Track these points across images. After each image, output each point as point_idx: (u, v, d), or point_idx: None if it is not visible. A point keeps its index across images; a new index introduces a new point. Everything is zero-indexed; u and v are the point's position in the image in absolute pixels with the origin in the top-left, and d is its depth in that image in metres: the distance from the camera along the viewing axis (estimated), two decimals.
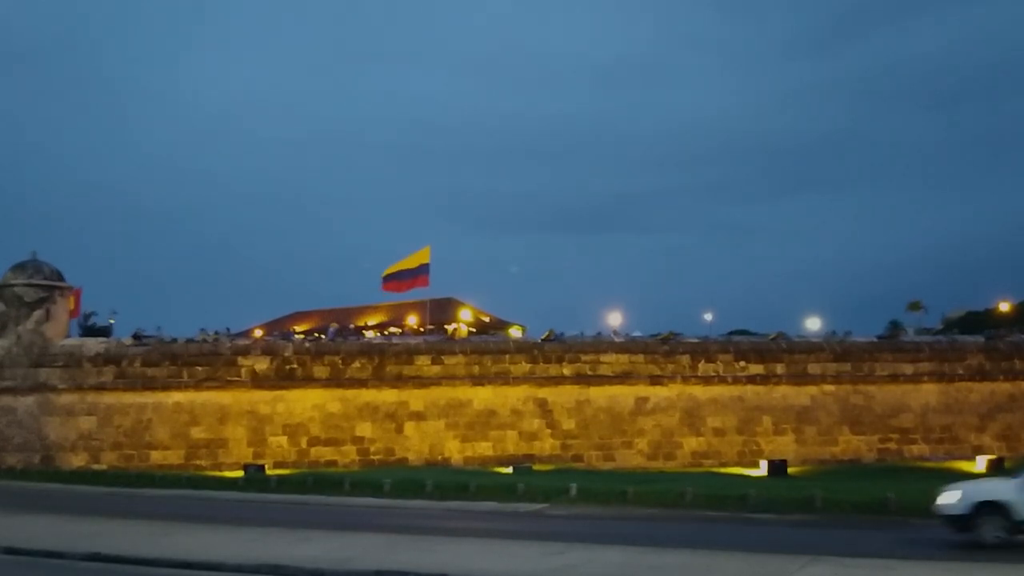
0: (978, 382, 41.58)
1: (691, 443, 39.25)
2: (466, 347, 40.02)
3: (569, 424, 38.83)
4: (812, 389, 40.54)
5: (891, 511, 22.17)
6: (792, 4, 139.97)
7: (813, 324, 46.35)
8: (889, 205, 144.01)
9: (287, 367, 38.46)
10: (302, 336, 46.94)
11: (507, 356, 39.55)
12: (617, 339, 41.64)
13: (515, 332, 48.95)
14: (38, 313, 38.60)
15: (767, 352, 41.05)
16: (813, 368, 40.76)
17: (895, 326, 50.16)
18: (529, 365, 39.28)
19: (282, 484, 30.48)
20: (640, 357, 40.00)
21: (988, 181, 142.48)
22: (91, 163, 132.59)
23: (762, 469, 35.83)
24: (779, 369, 40.56)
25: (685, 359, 40.13)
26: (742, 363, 40.29)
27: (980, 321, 55.06)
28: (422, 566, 12.03)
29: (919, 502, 22.83)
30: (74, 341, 39.73)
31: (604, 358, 39.80)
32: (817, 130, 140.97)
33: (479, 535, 16.64)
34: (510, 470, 34.96)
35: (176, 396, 37.75)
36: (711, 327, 48.15)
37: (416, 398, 38.52)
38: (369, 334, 48.90)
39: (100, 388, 37.66)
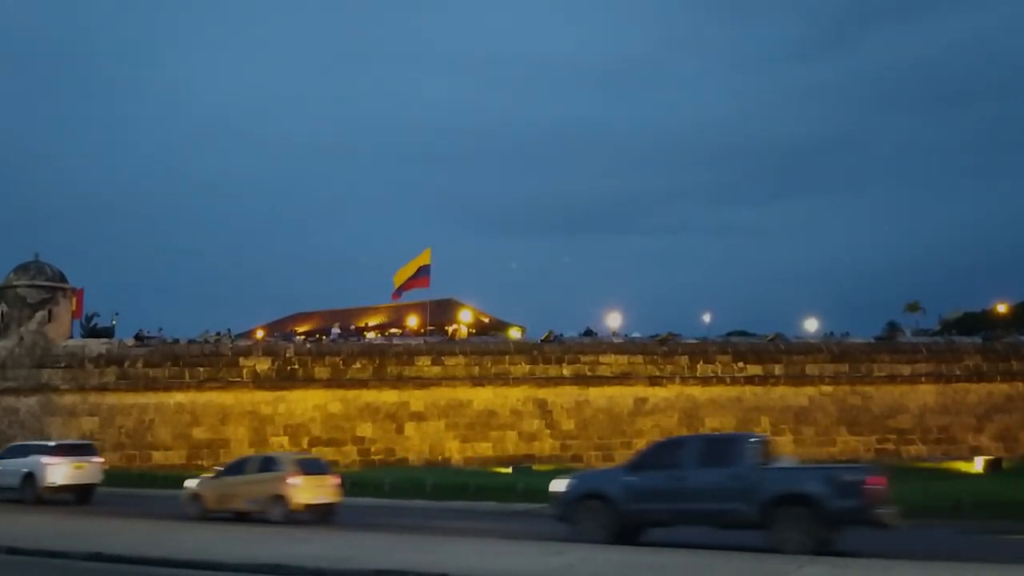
0: (975, 383, 41.71)
1: None
2: (466, 348, 40.19)
3: (568, 424, 38.99)
4: (810, 390, 40.70)
5: None
6: (791, 7, 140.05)
7: (811, 325, 46.45)
8: (887, 207, 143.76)
9: (288, 368, 38.64)
10: (303, 337, 47.05)
11: (507, 357, 39.72)
12: (616, 340, 41.80)
13: (515, 333, 49.03)
14: (40, 314, 38.80)
15: (765, 353, 41.21)
16: (811, 369, 40.93)
17: (893, 327, 50.18)
18: (529, 366, 39.46)
19: None
20: (639, 358, 40.18)
21: (985, 183, 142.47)
22: (93, 164, 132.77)
23: None
24: (777, 370, 40.73)
25: (684, 360, 40.29)
26: (740, 364, 40.45)
27: (977, 322, 55.08)
28: (422, 566, 12.12)
29: (916, 502, 23.07)
30: (76, 342, 39.91)
31: (603, 359, 39.98)
32: (815, 132, 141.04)
33: (479, 535, 16.76)
34: (510, 470, 35.12)
35: (178, 396, 37.94)
36: (709, 328, 48.27)
37: (416, 399, 38.69)
38: (370, 335, 48.99)
39: (102, 389, 37.86)
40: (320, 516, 20.36)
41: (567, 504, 15.93)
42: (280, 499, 20.09)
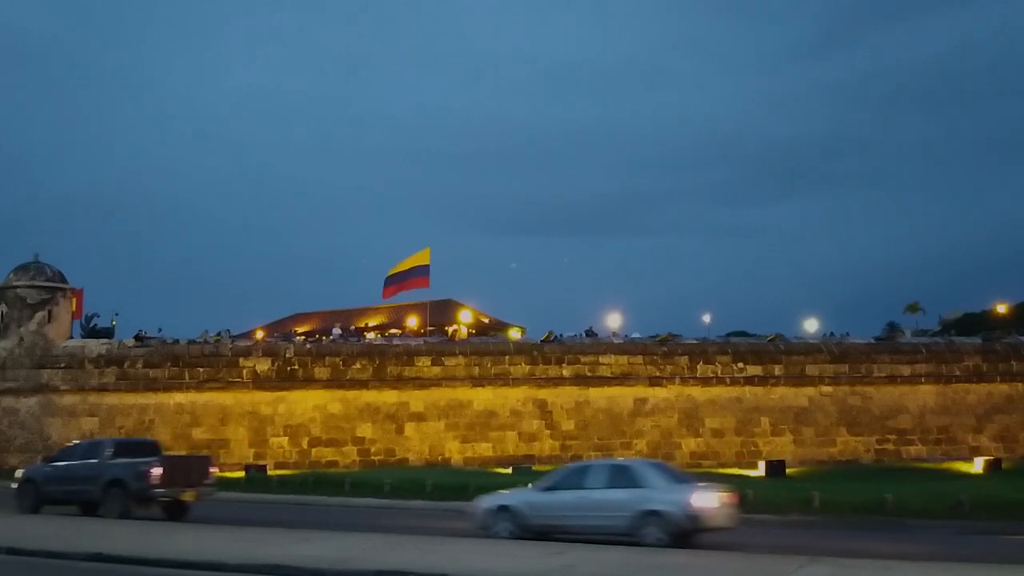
0: (975, 383, 41.71)
1: (690, 444, 39.40)
2: (466, 348, 40.17)
3: (568, 425, 38.97)
4: (810, 390, 40.69)
5: (888, 512, 22.37)
6: (790, 8, 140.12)
7: (811, 325, 46.40)
8: (887, 207, 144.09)
9: (288, 368, 38.63)
10: (303, 337, 47.03)
11: (507, 357, 39.70)
12: (616, 340, 41.76)
13: (515, 333, 48.99)
14: (40, 315, 38.79)
15: (765, 353, 41.19)
16: (811, 369, 40.92)
17: (892, 327, 50.17)
18: (529, 366, 39.44)
19: (283, 484, 30.69)
20: (639, 358, 40.16)
21: (985, 183, 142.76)
22: (93, 164, 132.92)
23: (760, 470, 35.98)
24: (777, 370, 40.71)
25: (683, 360, 40.28)
26: (740, 364, 40.44)
27: (977, 323, 55.02)
28: (422, 566, 12.11)
29: (916, 503, 23.09)
30: (76, 342, 39.90)
31: (603, 359, 39.96)
32: (815, 133, 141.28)
33: (479, 535, 16.76)
34: (510, 471, 35.10)
35: (178, 397, 37.93)
36: (709, 328, 48.25)
37: (416, 399, 38.68)
38: (370, 335, 48.96)
39: (102, 389, 37.86)
40: None
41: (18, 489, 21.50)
42: None
